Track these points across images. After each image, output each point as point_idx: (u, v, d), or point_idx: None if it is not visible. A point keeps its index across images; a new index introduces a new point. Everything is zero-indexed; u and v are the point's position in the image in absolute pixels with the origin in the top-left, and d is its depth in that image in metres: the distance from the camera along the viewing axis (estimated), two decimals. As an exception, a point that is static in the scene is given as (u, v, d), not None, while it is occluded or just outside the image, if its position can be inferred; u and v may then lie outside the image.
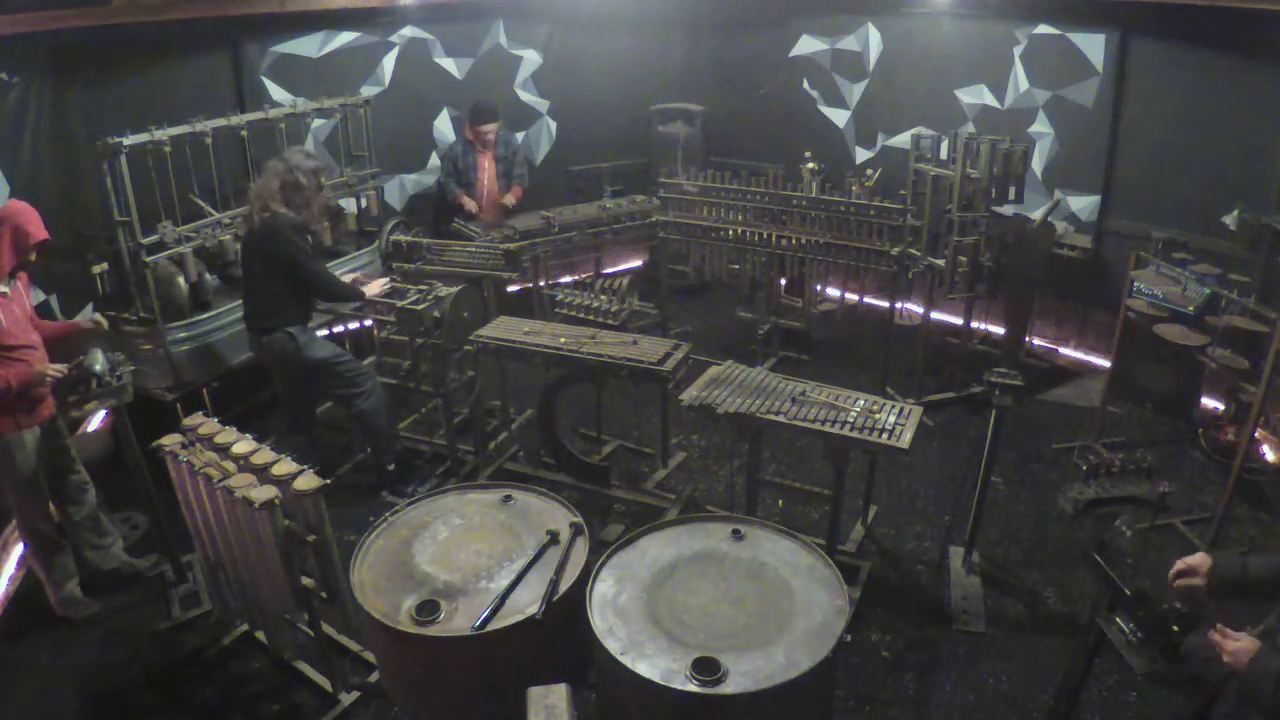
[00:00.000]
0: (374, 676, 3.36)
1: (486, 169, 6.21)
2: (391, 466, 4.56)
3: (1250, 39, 4.77)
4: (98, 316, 3.79)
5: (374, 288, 4.41)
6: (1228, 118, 5.01)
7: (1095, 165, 5.69)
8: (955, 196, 4.73)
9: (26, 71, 4.43)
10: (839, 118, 6.96)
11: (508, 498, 3.08)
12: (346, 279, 4.42)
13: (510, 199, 6.22)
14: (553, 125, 7.30)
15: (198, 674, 3.47)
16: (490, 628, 2.47)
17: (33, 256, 3.41)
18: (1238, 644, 2.09)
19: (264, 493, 2.83)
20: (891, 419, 3.41)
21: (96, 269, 4.34)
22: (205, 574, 3.62)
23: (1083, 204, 5.82)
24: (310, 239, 4.12)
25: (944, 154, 4.97)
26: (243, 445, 3.08)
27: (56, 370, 3.38)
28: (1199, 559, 2.33)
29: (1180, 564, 2.35)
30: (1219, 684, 2.31)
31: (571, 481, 4.39)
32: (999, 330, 5.92)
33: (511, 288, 6.30)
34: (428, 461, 4.83)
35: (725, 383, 3.74)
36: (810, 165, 6.15)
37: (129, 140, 4.10)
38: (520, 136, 7.01)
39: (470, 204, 6.11)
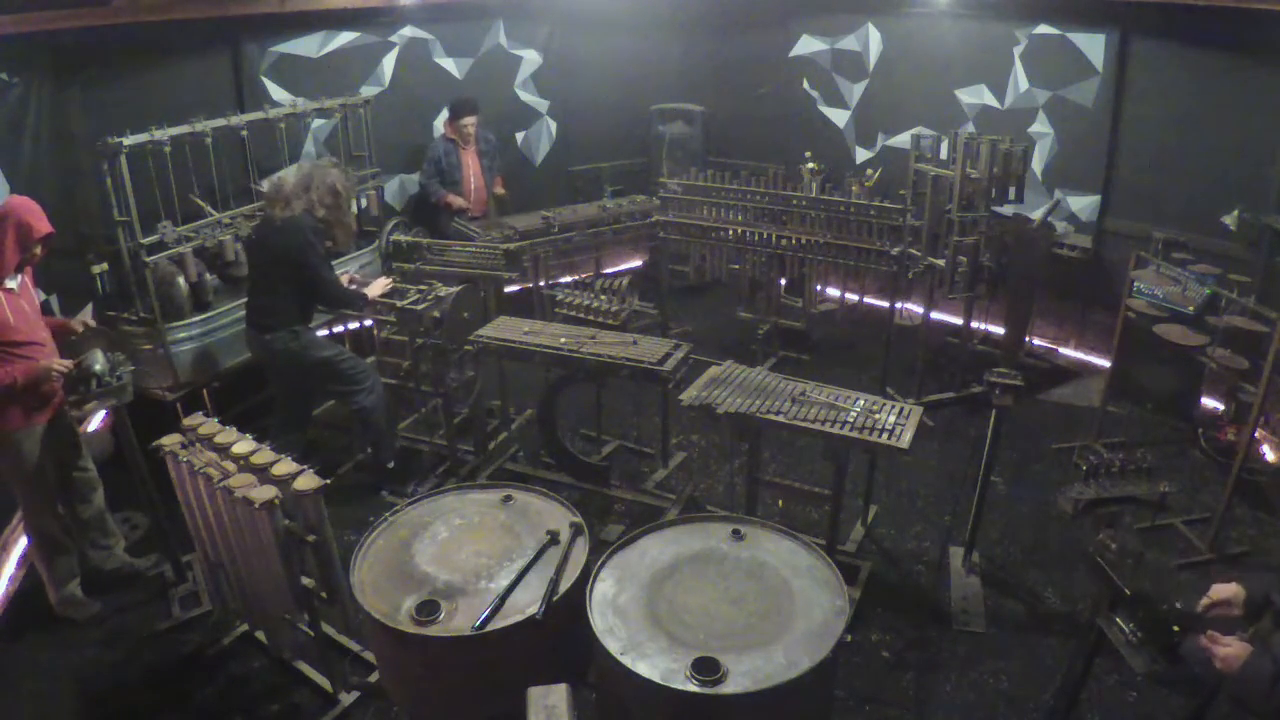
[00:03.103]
0: (374, 676, 3.35)
1: (471, 165, 6.27)
2: (392, 465, 4.56)
3: (1250, 39, 4.77)
4: (88, 319, 3.75)
5: (376, 289, 4.41)
6: (1228, 118, 5.01)
7: (1095, 165, 5.69)
8: (955, 196, 4.73)
9: (26, 71, 4.43)
10: (839, 118, 6.96)
11: (508, 498, 3.08)
12: (344, 279, 4.42)
13: (499, 189, 6.39)
14: (553, 125, 7.30)
15: (198, 674, 3.47)
16: (490, 628, 2.46)
17: (38, 250, 3.40)
18: (1228, 649, 2.09)
19: (264, 493, 2.83)
20: (891, 419, 3.41)
21: (96, 269, 4.34)
22: (205, 574, 3.61)
23: (1083, 204, 5.83)
24: (323, 244, 4.13)
25: (944, 154, 4.97)
26: (243, 445, 3.08)
27: (62, 365, 3.38)
28: (1232, 591, 2.31)
29: (1212, 597, 2.33)
30: (1216, 685, 2.31)
31: (571, 481, 4.39)
32: (999, 330, 5.92)
33: (511, 288, 6.31)
34: (428, 463, 4.82)
35: (725, 383, 3.74)
36: (810, 165, 6.15)
37: (129, 140, 4.10)
38: (520, 136, 7.03)
39: (459, 201, 6.18)
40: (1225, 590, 2.32)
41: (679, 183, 5.70)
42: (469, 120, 6.09)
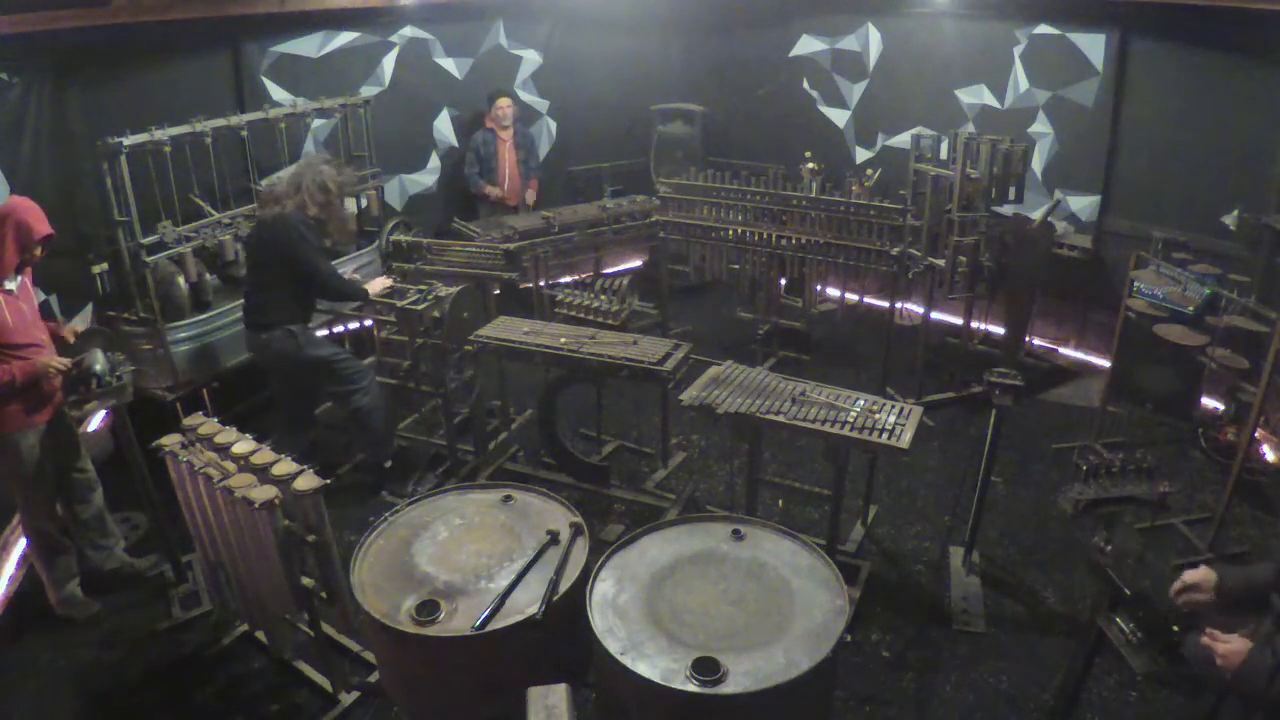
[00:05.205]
0: (374, 676, 3.36)
1: (508, 157, 6.45)
2: (389, 464, 4.56)
3: (1250, 39, 4.77)
4: (76, 328, 3.70)
5: (376, 285, 4.42)
6: (1228, 118, 5.01)
7: (1095, 165, 5.69)
8: (955, 196, 4.73)
9: (26, 71, 4.43)
10: (839, 118, 6.96)
11: (508, 498, 3.08)
12: (349, 278, 4.43)
13: (531, 194, 6.58)
14: (553, 125, 7.30)
15: (198, 674, 3.47)
16: (490, 628, 2.46)
17: (38, 252, 3.40)
18: (1229, 646, 2.09)
19: (264, 493, 2.83)
20: (891, 419, 3.41)
21: (96, 269, 4.34)
22: (205, 574, 3.62)
23: (1083, 204, 5.82)
24: (318, 239, 4.13)
25: (944, 154, 4.97)
26: (243, 445, 3.08)
27: (60, 363, 3.37)
28: (1202, 575, 2.30)
29: (1182, 581, 2.32)
30: (1228, 685, 2.31)
31: (571, 481, 4.39)
32: (999, 330, 5.92)
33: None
34: (428, 463, 4.82)
35: (725, 383, 3.74)
36: (810, 165, 6.15)
37: (129, 140, 4.11)
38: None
39: (494, 191, 6.44)
40: (1194, 575, 2.31)
41: (671, 182, 5.70)
42: (504, 102, 6.31)
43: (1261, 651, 2.03)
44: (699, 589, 2.61)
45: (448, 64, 6.60)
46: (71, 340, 3.67)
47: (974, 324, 5.78)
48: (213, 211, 4.69)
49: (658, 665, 2.30)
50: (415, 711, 2.86)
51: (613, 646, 2.37)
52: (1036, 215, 5.35)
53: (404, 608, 2.54)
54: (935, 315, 5.45)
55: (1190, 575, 2.32)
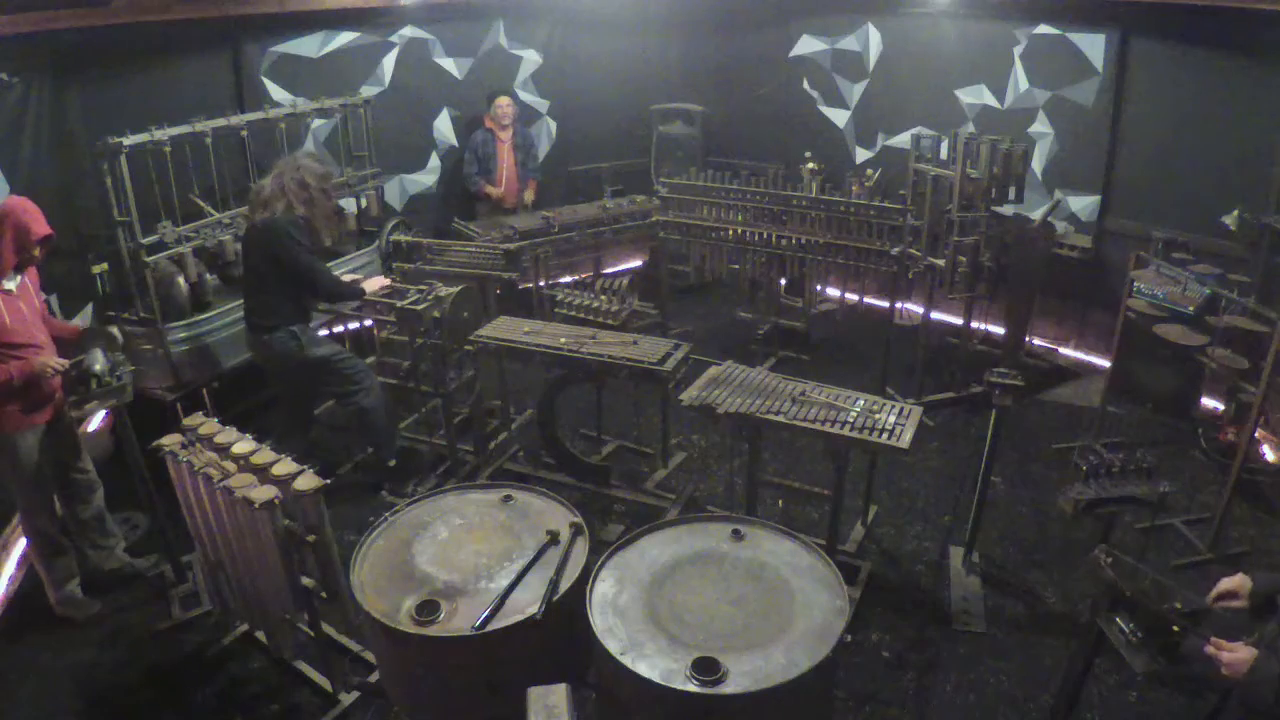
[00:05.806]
0: (374, 676, 3.35)
1: (506, 158, 6.43)
2: (393, 463, 4.57)
3: (1250, 39, 4.77)
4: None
5: (373, 284, 4.42)
6: (1228, 118, 5.01)
7: (1095, 165, 5.69)
8: (955, 196, 4.73)
9: (26, 71, 4.43)
10: (839, 118, 6.96)
11: (508, 498, 3.08)
12: (346, 279, 4.42)
13: (530, 195, 6.57)
14: (553, 125, 7.30)
15: (198, 674, 3.47)
16: (490, 628, 2.46)
17: (36, 252, 3.40)
18: (1234, 654, 2.09)
19: (264, 493, 2.83)
20: (891, 419, 3.41)
21: (96, 269, 4.34)
22: (205, 574, 3.61)
23: (1083, 204, 5.83)
24: (311, 239, 4.13)
25: (944, 154, 4.97)
26: (243, 445, 3.08)
27: (58, 363, 3.37)
28: (1238, 581, 2.34)
29: (1221, 587, 2.36)
30: (1229, 688, 2.31)
31: (571, 481, 4.39)
32: (999, 330, 5.92)
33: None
34: (428, 463, 4.82)
35: (725, 383, 3.74)
36: (810, 165, 6.15)
37: (129, 140, 4.10)
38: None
39: (495, 191, 6.41)
40: (1231, 582, 2.35)
41: (671, 182, 5.70)
42: (503, 101, 6.30)
43: (1268, 660, 2.03)
44: (699, 589, 2.61)
45: (448, 64, 6.60)
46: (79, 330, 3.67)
47: (974, 324, 5.77)
48: (213, 211, 4.69)
49: (658, 665, 2.30)
50: (415, 711, 2.86)
51: (613, 646, 2.37)
52: (1036, 215, 5.35)
53: (404, 608, 2.54)
54: (935, 315, 5.45)
55: (1226, 583, 2.36)
